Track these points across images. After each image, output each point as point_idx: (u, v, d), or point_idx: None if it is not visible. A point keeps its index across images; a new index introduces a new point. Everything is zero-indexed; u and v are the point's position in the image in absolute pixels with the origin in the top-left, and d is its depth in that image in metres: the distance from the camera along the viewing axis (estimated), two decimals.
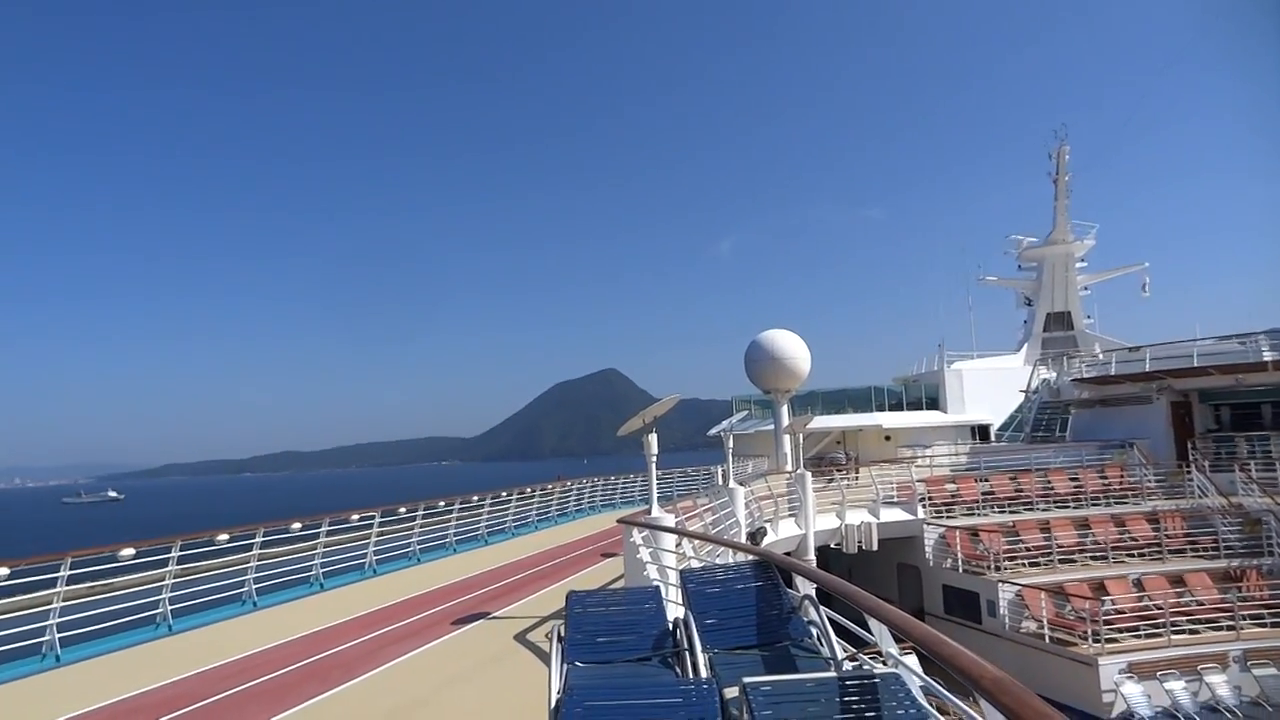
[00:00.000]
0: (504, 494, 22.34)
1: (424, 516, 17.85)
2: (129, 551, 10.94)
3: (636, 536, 9.59)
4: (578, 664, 4.81)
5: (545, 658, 8.58)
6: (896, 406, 37.53)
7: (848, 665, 4.54)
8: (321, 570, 14.33)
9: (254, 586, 12.74)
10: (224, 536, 12.66)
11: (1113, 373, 27.48)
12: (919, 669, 4.10)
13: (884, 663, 4.29)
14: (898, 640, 4.17)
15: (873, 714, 3.33)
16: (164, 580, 11.27)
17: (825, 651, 4.68)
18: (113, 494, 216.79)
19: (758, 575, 5.84)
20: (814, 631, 4.98)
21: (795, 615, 5.18)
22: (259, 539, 13.02)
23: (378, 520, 16.20)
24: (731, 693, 3.95)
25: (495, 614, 11.18)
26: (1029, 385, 34.18)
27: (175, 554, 11.45)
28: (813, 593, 5.43)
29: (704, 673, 4.48)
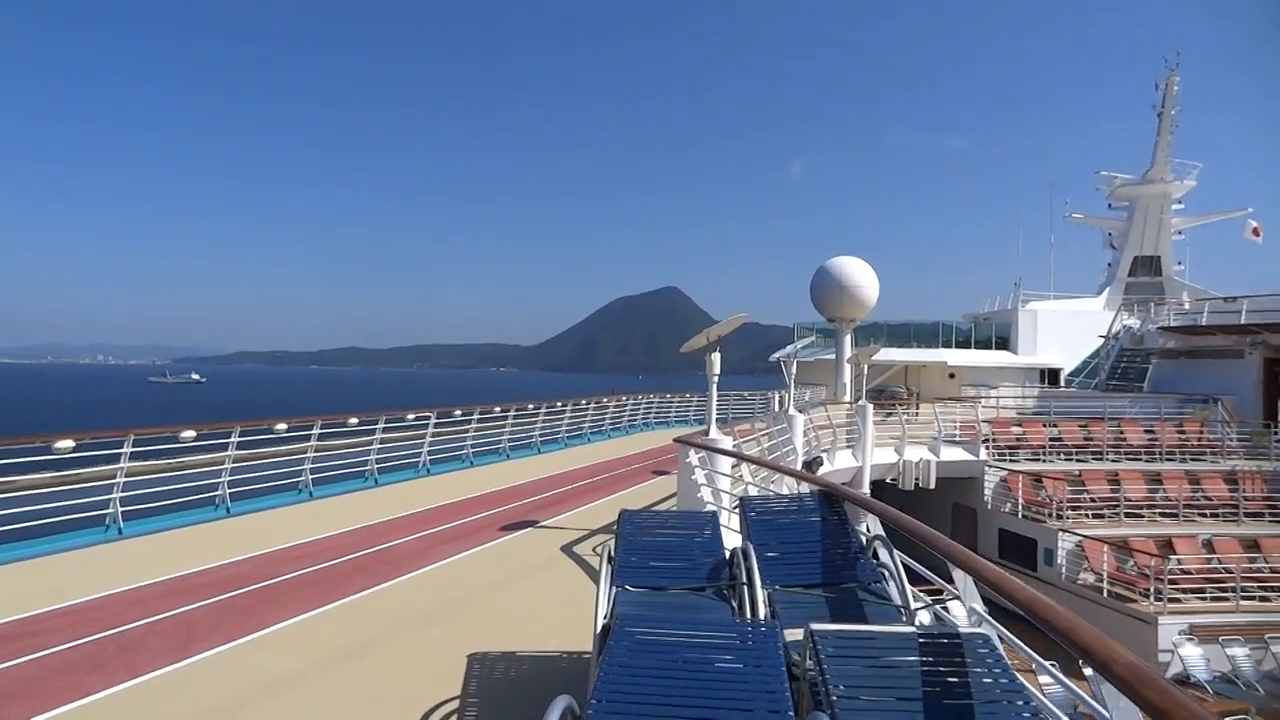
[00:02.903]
0: (559, 404, 22.35)
1: (479, 421, 17.92)
2: (190, 433, 11.09)
3: (693, 457, 9.29)
4: (627, 587, 4.55)
5: (591, 571, 8.48)
6: (964, 344, 36.41)
7: (923, 616, 4.18)
8: (376, 466, 14.47)
9: (310, 477, 12.91)
10: (282, 426, 12.80)
11: (1204, 323, 25.97)
12: (1002, 627, 3.71)
13: (968, 617, 3.91)
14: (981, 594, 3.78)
15: (957, 679, 2.96)
16: (223, 464, 11.44)
17: (897, 599, 4.32)
18: (195, 376, 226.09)
19: (823, 509, 5.47)
20: (884, 575, 4.61)
21: (863, 556, 4.82)
22: (316, 430, 13.14)
23: (433, 421, 16.28)
24: (793, 635, 3.63)
25: (543, 523, 11.11)
26: (1109, 330, 32.66)
27: (235, 439, 11.59)
28: (882, 533, 5.06)
29: (763, 610, 4.17)
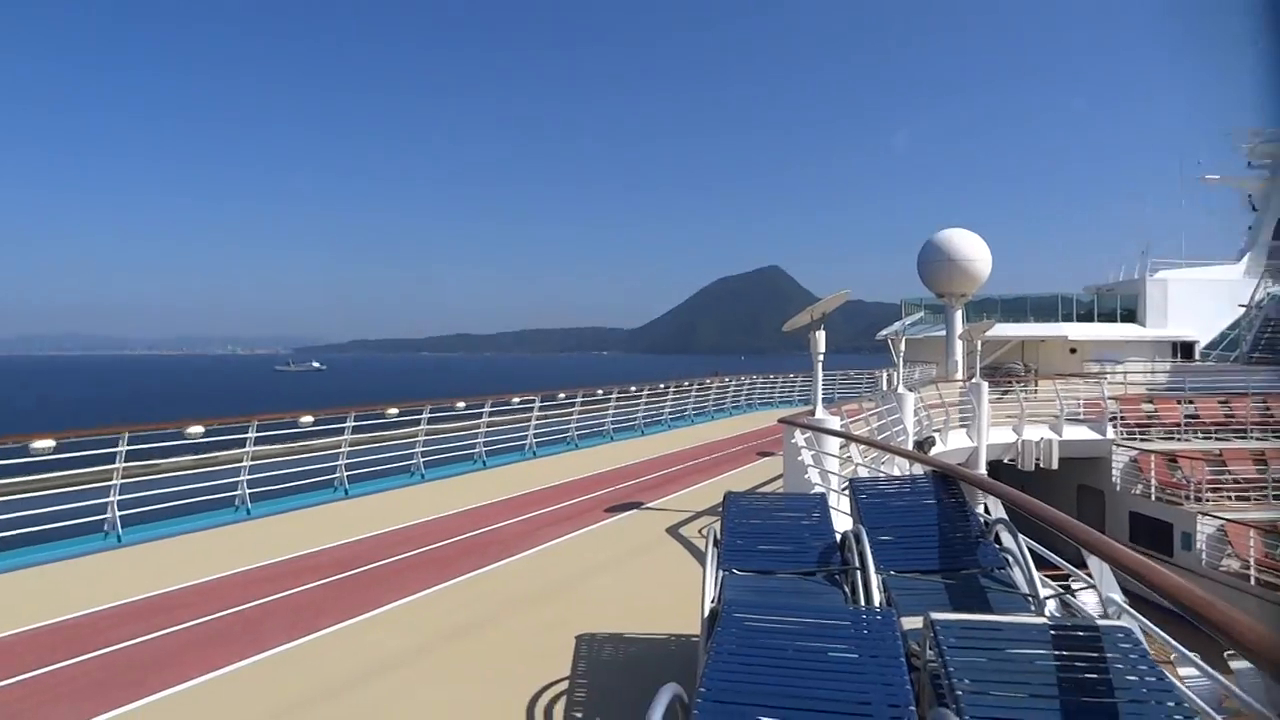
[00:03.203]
0: (661, 386, 22.34)
1: (582, 403, 18.09)
2: (308, 418, 11.58)
3: (799, 438, 9.07)
4: (735, 571, 4.44)
5: (697, 553, 8.41)
6: (1086, 317, 34.49)
7: (1051, 606, 3.90)
8: (484, 449, 14.79)
9: (422, 460, 13.30)
10: (394, 410, 13.23)
11: None
12: (1144, 619, 3.42)
13: (1104, 608, 3.63)
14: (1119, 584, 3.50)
15: (1096, 675, 2.73)
16: (340, 448, 11.90)
17: (1023, 587, 4.06)
18: (316, 365, 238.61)
19: (939, 491, 5.22)
20: (1007, 561, 4.35)
21: (984, 540, 4.55)
22: (426, 414, 13.52)
23: (538, 404, 16.51)
24: (911, 624, 3.44)
25: (648, 505, 11.11)
26: (1251, 299, 30.28)
27: (350, 424, 12.04)
28: (1005, 516, 4.77)
29: (877, 596, 3.98)
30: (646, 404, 20.94)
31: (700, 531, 9.30)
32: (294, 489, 11.18)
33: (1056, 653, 2.84)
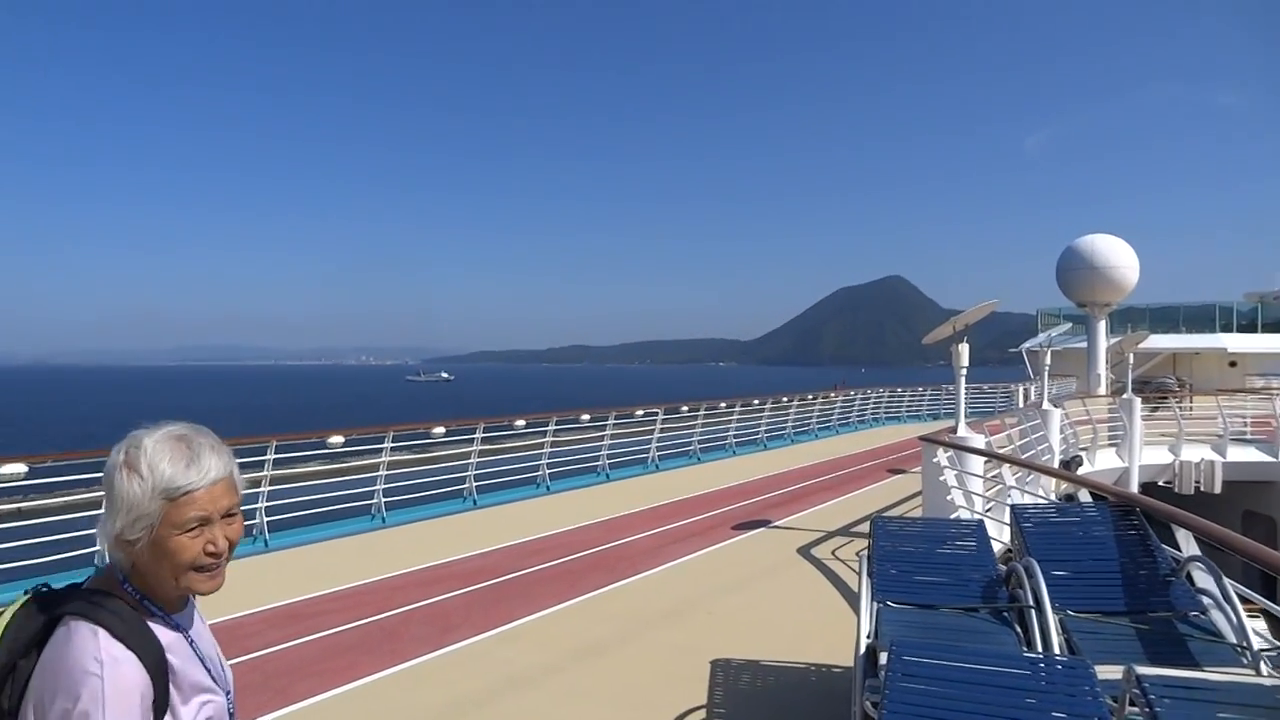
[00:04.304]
0: (784, 399, 21.86)
1: (705, 416, 17.87)
2: (440, 429, 11.84)
3: (940, 457, 8.56)
4: (889, 604, 4.12)
5: (831, 575, 8.05)
6: (1249, 328, 31.68)
7: (1272, 657, 3.41)
8: (608, 462, 14.77)
9: (547, 471, 13.39)
10: (521, 422, 13.38)
11: None
12: None
13: None
14: None
15: None
16: (470, 458, 12.10)
17: (1230, 636, 3.58)
18: (445, 375, 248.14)
19: (1115, 521, 4.72)
20: (1205, 603, 3.86)
21: (1175, 579, 4.07)
22: (552, 426, 13.61)
23: (660, 417, 16.40)
24: (1104, 674, 3.06)
25: (776, 523, 10.76)
26: None
27: (479, 435, 12.23)
28: (1198, 551, 4.27)
29: (1055, 639, 3.59)
30: (769, 417, 20.53)
31: (833, 553, 8.92)
32: (425, 498, 11.42)
33: None
